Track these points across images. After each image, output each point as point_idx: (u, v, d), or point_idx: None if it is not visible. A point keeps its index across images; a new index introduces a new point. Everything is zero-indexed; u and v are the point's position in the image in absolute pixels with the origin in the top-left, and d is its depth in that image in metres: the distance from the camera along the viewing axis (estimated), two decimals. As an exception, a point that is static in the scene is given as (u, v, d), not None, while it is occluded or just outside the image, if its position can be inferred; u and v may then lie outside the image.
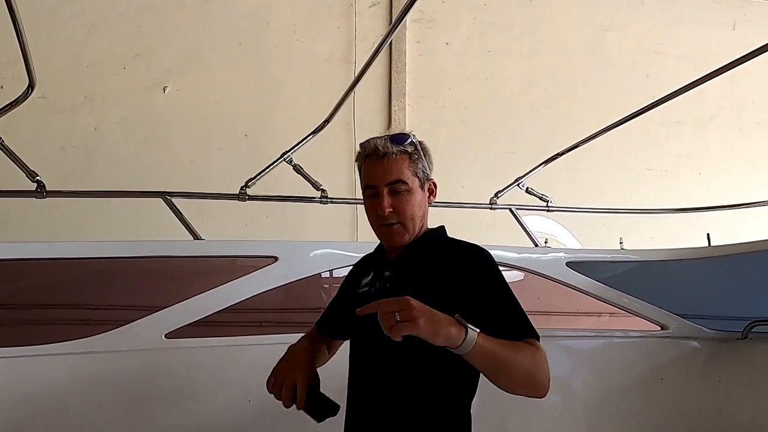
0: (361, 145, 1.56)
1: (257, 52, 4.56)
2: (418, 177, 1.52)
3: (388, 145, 1.50)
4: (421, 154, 1.54)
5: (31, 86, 1.94)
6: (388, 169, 1.49)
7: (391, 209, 1.49)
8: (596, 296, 2.69)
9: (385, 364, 1.47)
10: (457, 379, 1.44)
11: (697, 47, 5.14)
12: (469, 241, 1.53)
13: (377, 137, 1.54)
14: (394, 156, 1.49)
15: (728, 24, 5.34)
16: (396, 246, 1.55)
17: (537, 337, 1.35)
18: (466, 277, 1.41)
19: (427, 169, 1.56)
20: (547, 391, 1.32)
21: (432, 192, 1.59)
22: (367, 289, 1.57)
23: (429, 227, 1.60)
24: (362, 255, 1.75)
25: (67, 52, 4.25)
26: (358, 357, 1.57)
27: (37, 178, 2.18)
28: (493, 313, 1.37)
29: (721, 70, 1.92)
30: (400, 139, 1.52)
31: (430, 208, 1.61)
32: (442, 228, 1.62)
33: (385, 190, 1.49)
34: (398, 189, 1.49)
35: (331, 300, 1.81)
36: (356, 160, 1.58)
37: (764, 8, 5.45)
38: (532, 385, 1.31)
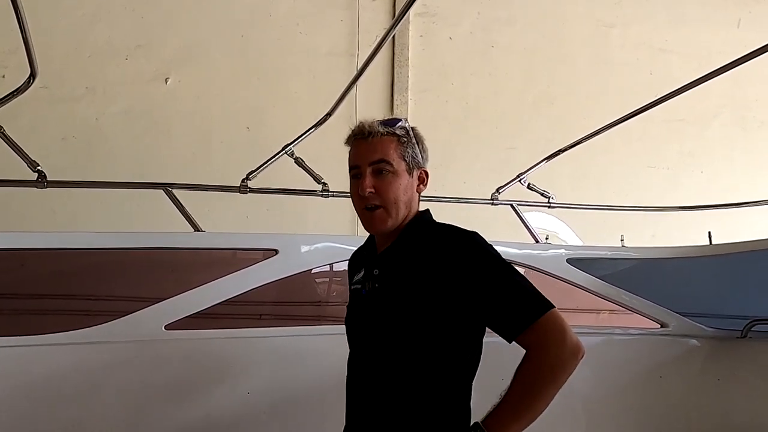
0: (351, 128, 1.53)
1: (259, 44, 4.54)
2: (405, 161, 1.47)
3: (375, 125, 1.47)
4: (413, 140, 1.50)
5: (32, 76, 1.93)
6: (372, 147, 1.46)
7: (372, 190, 1.44)
8: (596, 293, 2.69)
9: (381, 360, 1.45)
10: (454, 375, 1.43)
11: (701, 45, 5.12)
12: (459, 226, 1.47)
13: (365, 119, 1.51)
14: (380, 136, 1.46)
15: (733, 22, 5.32)
16: (379, 233, 1.51)
17: (544, 310, 1.31)
18: (460, 271, 1.38)
19: (419, 156, 1.51)
20: (578, 350, 1.29)
21: (422, 181, 1.53)
22: (359, 287, 1.55)
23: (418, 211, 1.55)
24: None
25: (68, 42, 4.23)
26: (354, 353, 1.56)
27: (38, 167, 2.17)
28: (494, 306, 1.36)
29: (724, 69, 1.91)
30: (390, 122, 1.49)
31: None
32: (427, 212, 1.56)
33: (369, 170, 1.45)
34: (382, 169, 1.45)
35: None
36: (345, 144, 1.54)
37: (769, 6, 5.43)
38: (560, 379, 1.30)
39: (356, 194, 1.48)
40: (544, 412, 1.33)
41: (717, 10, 5.34)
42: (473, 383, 1.47)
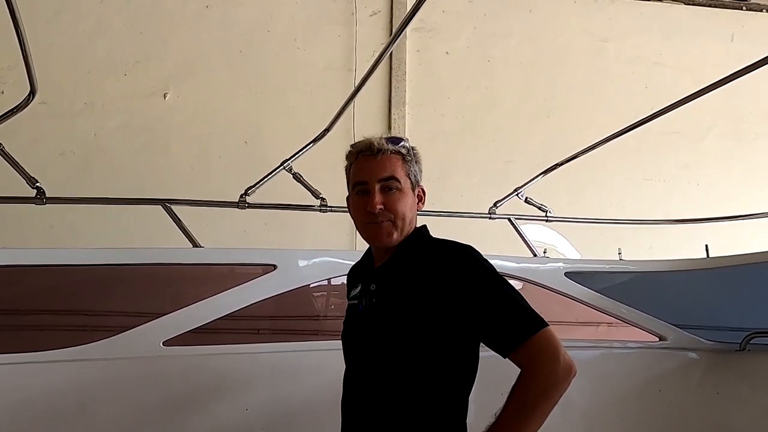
0: (353, 144, 1.54)
1: (258, 59, 4.57)
2: (410, 179, 1.50)
3: (383, 142, 1.48)
4: (414, 159, 1.52)
5: (32, 93, 1.94)
6: (381, 165, 1.47)
7: (382, 206, 1.45)
8: (595, 306, 2.68)
9: (376, 375, 1.45)
10: (450, 391, 1.43)
11: (696, 58, 5.17)
12: (456, 241, 1.48)
13: (371, 136, 1.52)
14: (388, 153, 1.47)
15: (726, 36, 5.37)
16: (384, 246, 1.51)
17: (538, 328, 1.32)
18: (455, 286, 1.38)
19: (418, 174, 1.53)
20: (571, 369, 1.30)
21: (421, 199, 1.56)
22: (356, 302, 1.55)
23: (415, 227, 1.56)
24: None
25: (67, 58, 4.26)
26: (349, 368, 1.55)
27: (37, 184, 2.18)
28: (488, 321, 1.37)
29: (720, 83, 1.92)
30: (394, 140, 1.51)
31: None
32: (424, 227, 1.57)
33: (377, 187, 1.46)
34: (390, 186, 1.46)
35: None
36: (346, 159, 1.54)
37: (762, 20, 5.48)
38: (554, 398, 1.30)
39: (363, 210, 1.48)
40: (542, 428, 1.33)
41: (710, 24, 5.39)
42: (472, 398, 1.47)
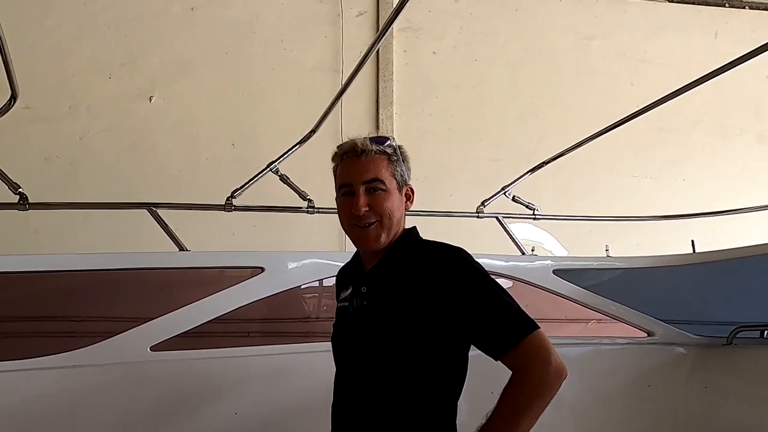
0: (338, 146, 1.52)
1: (244, 60, 4.55)
2: (396, 179, 1.48)
3: (367, 143, 1.47)
4: (400, 158, 1.50)
5: (13, 97, 1.91)
6: (365, 166, 1.45)
7: (367, 208, 1.44)
8: (583, 303, 2.69)
9: (367, 378, 1.45)
10: (441, 393, 1.43)
11: (680, 55, 5.21)
12: (446, 243, 1.48)
13: (356, 137, 1.51)
14: (372, 154, 1.46)
15: (710, 33, 5.42)
16: (371, 249, 1.50)
17: (530, 331, 1.32)
18: (446, 287, 1.38)
19: (405, 174, 1.51)
20: (562, 371, 1.31)
21: (409, 198, 1.54)
22: (346, 304, 1.54)
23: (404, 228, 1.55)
24: None
25: (51, 62, 4.21)
26: (340, 371, 1.55)
27: (20, 190, 2.15)
28: (479, 323, 1.37)
29: (704, 78, 1.94)
30: (379, 140, 1.49)
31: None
32: (414, 229, 1.56)
33: (362, 189, 1.44)
34: (375, 188, 1.45)
35: None
36: (332, 160, 1.53)
37: (745, 17, 5.53)
38: (545, 401, 1.30)
39: (348, 212, 1.47)
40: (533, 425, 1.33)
41: (694, 21, 5.43)
42: (462, 397, 1.47)
